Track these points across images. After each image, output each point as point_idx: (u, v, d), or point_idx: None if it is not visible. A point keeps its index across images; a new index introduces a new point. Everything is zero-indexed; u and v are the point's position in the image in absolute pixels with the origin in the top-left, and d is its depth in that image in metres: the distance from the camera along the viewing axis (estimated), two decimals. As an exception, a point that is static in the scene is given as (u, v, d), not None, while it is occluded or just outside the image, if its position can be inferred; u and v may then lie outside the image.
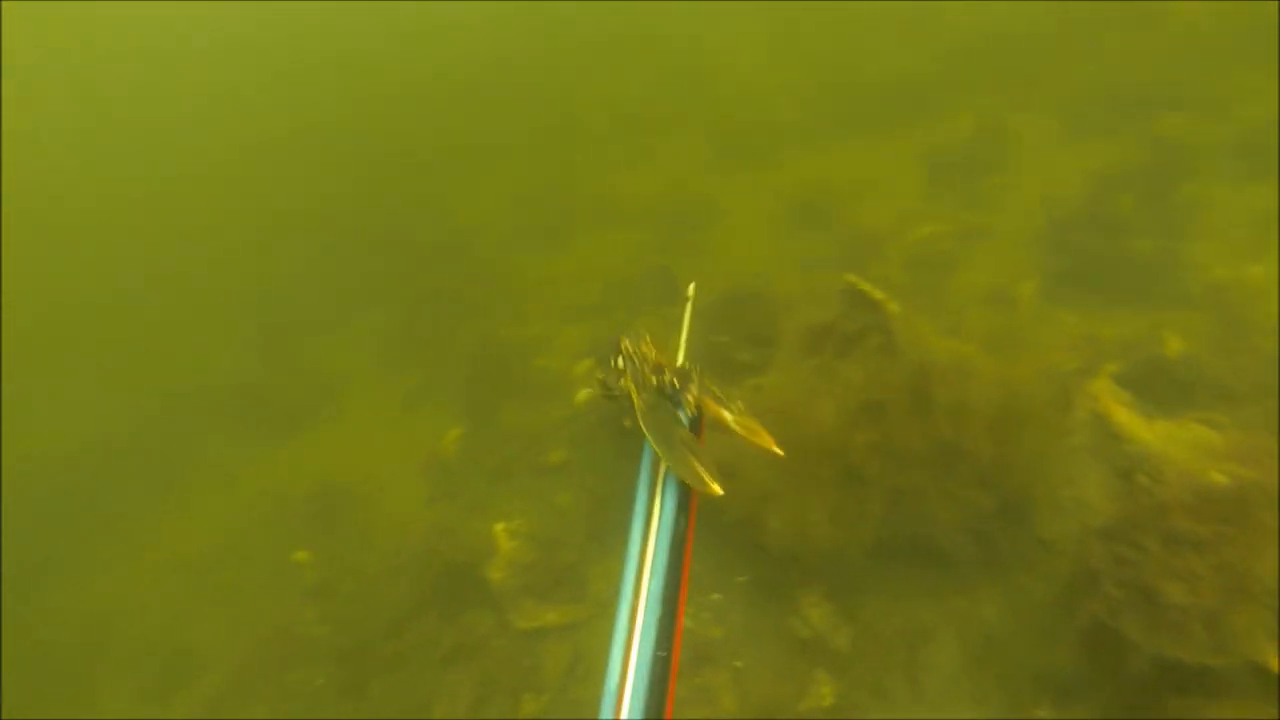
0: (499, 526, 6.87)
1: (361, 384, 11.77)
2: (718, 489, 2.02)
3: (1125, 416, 3.06)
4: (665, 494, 1.94)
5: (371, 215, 14.16)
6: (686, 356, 2.57)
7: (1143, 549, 2.93)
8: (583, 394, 8.70)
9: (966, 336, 5.20)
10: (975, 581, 4.58)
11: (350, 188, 15.31)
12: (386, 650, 6.89)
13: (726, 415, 2.20)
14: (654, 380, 2.32)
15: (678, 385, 2.25)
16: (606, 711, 1.52)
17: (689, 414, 2.22)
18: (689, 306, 2.96)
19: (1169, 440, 3.04)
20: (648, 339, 2.53)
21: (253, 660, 7.81)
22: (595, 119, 14.97)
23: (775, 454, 2.31)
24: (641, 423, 2.25)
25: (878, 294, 4.39)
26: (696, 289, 3.07)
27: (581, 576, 6.38)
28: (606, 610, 5.94)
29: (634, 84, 15.69)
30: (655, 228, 11.21)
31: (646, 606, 1.72)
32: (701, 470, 2.01)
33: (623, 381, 2.49)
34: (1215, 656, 2.82)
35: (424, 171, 15.60)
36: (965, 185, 8.37)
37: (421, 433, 9.84)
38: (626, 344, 2.56)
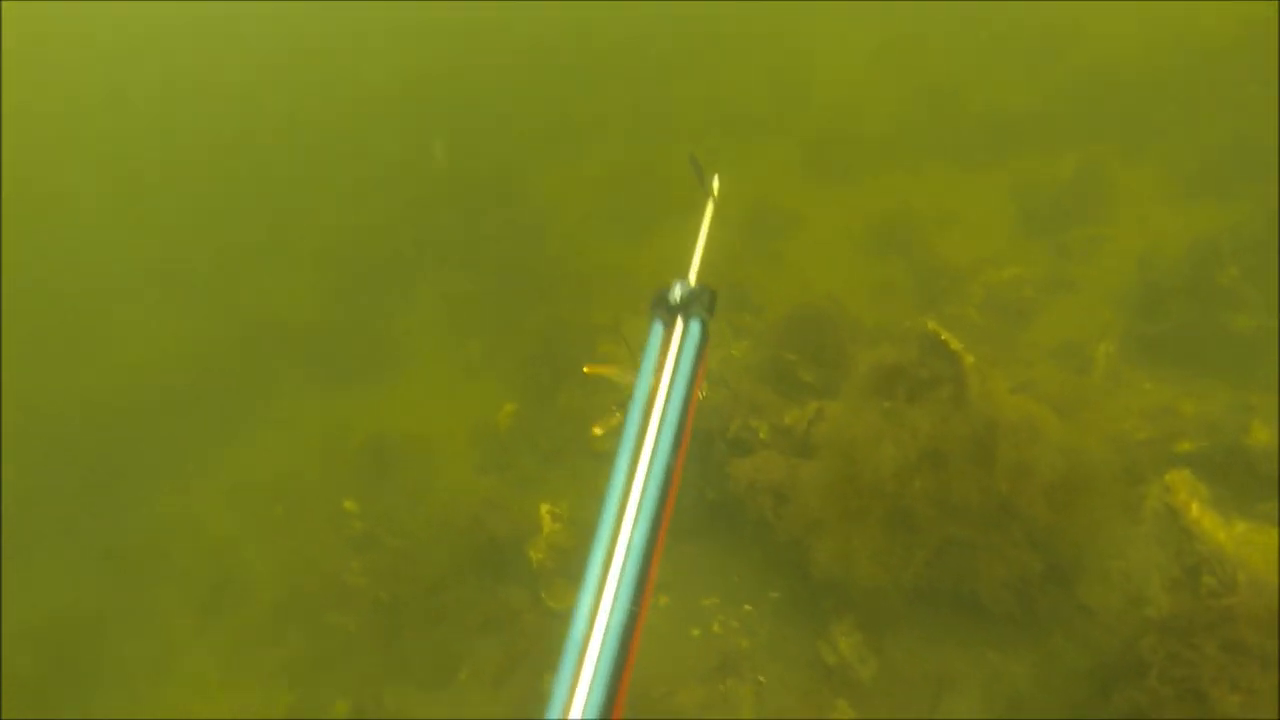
0: (544, 508, 7.06)
1: (425, 345, 12.09)
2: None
3: (1200, 513, 3.00)
4: (660, 438, 1.74)
5: (458, 182, 14.42)
6: (701, 273, 2.19)
7: (1200, 652, 2.90)
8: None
9: (1039, 395, 5.12)
10: (1010, 638, 4.56)
11: (443, 151, 15.59)
12: (423, 608, 7.17)
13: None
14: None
15: (686, 301, 1.98)
16: (567, 665, 1.43)
17: (700, 321, 1.97)
18: (711, 204, 2.54)
19: (1245, 544, 2.97)
20: None
21: (295, 595, 8.21)
22: (691, 114, 14.96)
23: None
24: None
25: (956, 344, 4.37)
26: (721, 184, 2.66)
27: (618, 568, 6.51)
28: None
29: (735, 83, 15.59)
30: (736, 232, 11.19)
31: (626, 556, 1.57)
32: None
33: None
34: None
35: (517, 145, 15.81)
36: (1057, 231, 8.15)
37: (478, 402, 10.08)
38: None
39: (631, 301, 10.44)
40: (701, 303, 1.99)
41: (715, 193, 2.64)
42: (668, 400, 1.80)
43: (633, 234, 11.88)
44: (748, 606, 5.67)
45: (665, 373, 1.86)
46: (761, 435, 5.74)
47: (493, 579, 6.90)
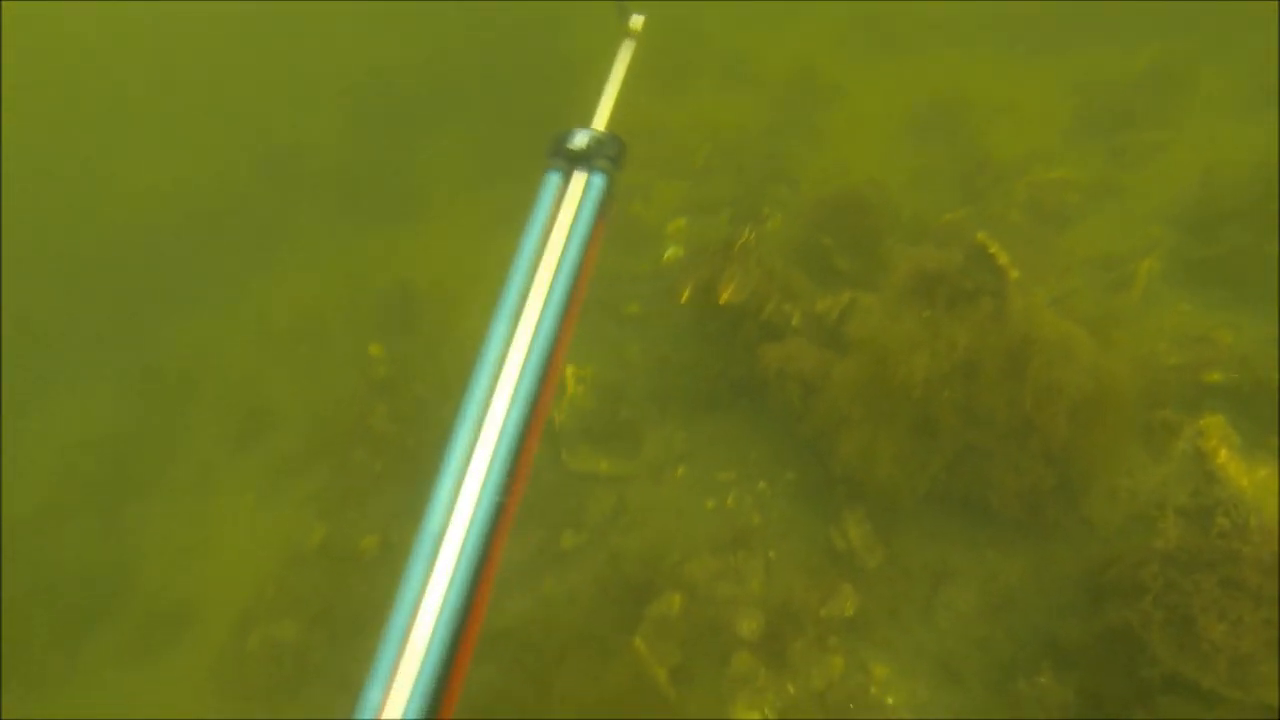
0: (569, 370, 7.24)
1: (451, 190, 11.91)
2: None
3: (1228, 458, 3.12)
4: (545, 308, 1.53)
5: (491, 27, 13.66)
6: (612, 123, 1.93)
7: (1199, 584, 3.10)
8: (670, 251, 8.79)
9: (1076, 310, 5.14)
10: (1012, 540, 4.84)
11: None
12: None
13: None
14: None
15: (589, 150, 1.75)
16: (419, 558, 1.25)
17: (603, 174, 1.75)
18: (629, 43, 2.20)
19: (1265, 490, 3.11)
20: None
21: (322, 433, 8.56)
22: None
23: None
24: None
25: (1004, 258, 4.34)
26: (644, 23, 2.27)
27: (637, 435, 6.77)
28: (658, 470, 6.43)
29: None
30: (774, 98, 10.75)
31: (497, 442, 1.37)
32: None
33: None
34: (1231, 689, 3.07)
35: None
36: (1116, 133, 7.79)
37: (508, 250, 10.05)
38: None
39: (663, 163, 10.20)
40: (607, 153, 1.76)
41: (637, 30, 2.27)
42: (558, 264, 1.61)
43: (665, 92, 11.39)
44: (763, 484, 5.94)
45: (558, 230, 1.66)
46: (794, 322, 5.80)
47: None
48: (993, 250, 4.29)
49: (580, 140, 1.76)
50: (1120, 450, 4.67)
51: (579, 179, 1.74)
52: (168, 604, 7.40)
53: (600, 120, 1.92)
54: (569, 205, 1.70)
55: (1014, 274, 4.45)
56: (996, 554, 4.85)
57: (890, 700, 4.43)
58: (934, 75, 9.91)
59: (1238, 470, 3.17)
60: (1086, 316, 5.19)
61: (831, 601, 4.71)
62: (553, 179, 1.75)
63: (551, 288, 1.58)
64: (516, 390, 1.43)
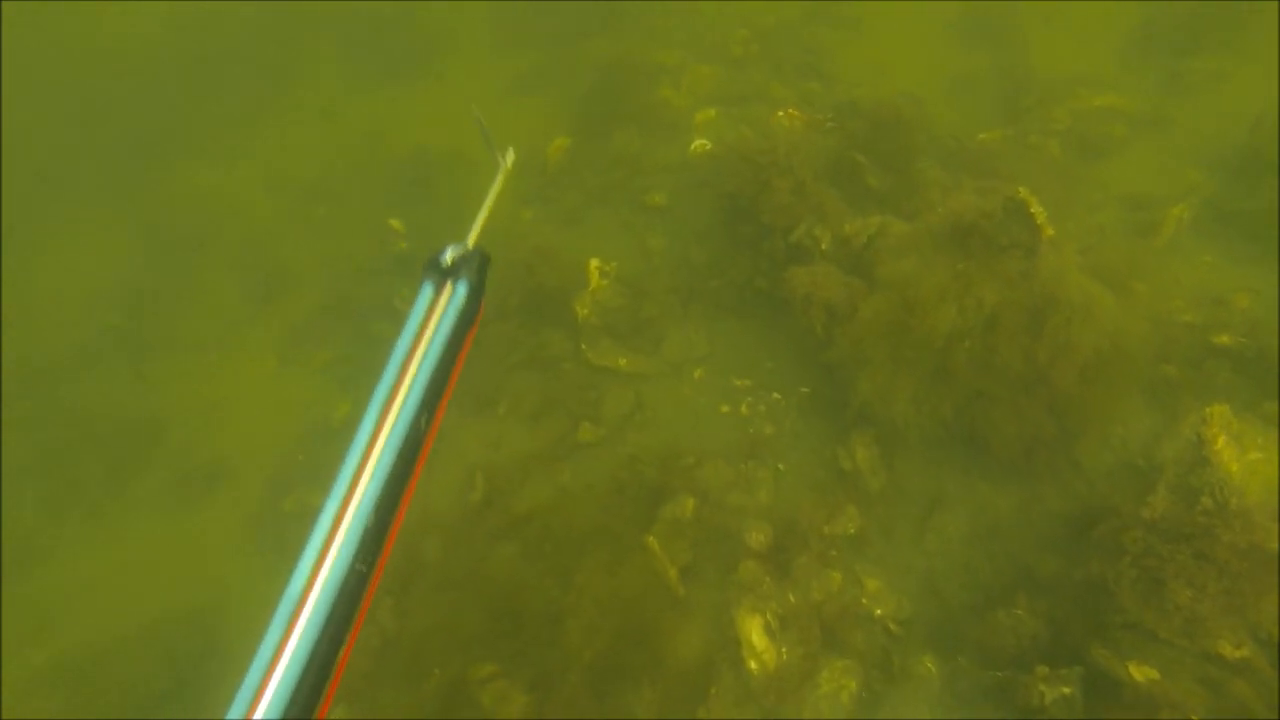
0: (594, 264, 7.33)
1: (471, 50, 11.43)
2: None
3: (1224, 445, 3.37)
4: (405, 400, 1.73)
5: None
6: (479, 239, 2.16)
7: (1174, 553, 3.46)
8: (698, 144, 8.64)
9: (1102, 260, 5.25)
10: (1005, 477, 5.21)
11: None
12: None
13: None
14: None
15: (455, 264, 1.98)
16: (275, 627, 1.35)
17: (469, 284, 1.98)
18: (501, 177, 2.47)
19: (1251, 474, 3.38)
20: None
21: (342, 301, 8.74)
22: None
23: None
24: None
25: (1041, 217, 4.40)
26: (515, 159, 2.56)
27: (658, 333, 6.99)
28: (677, 371, 6.69)
29: None
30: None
31: (351, 519, 1.51)
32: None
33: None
34: (1181, 639, 3.51)
35: None
36: (1176, 57, 7.51)
37: (526, 124, 9.79)
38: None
39: (696, 45, 9.77)
40: (472, 266, 1.98)
41: (509, 164, 2.54)
42: (420, 364, 1.80)
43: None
44: (777, 395, 6.24)
45: (428, 331, 1.86)
46: (824, 246, 5.88)
47: (537, 323, 7.33)
48: (1033, 210, 4.35)
49: (450, 255, 1.99)
50: (1121, 403, 4.96)
51: (448, 289, 1.96)
52: (201, 459, 7.84)
53: (472, 237, 2.15)
54: (438, 310, 1.92)
55: (1049, 231, 4.53)
56: (989, 487, 5.23)
57: (879, 612, 4.93)
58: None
59: (1230, 455, 3.45)
60: (1110, 265, 5.32)
61: (836, 520, 5.12)
62: (427, 288, 1.97)
63: (416, 382, 1.78)
64: (383, 471, 1.60)
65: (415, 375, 1.78)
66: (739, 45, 9.37)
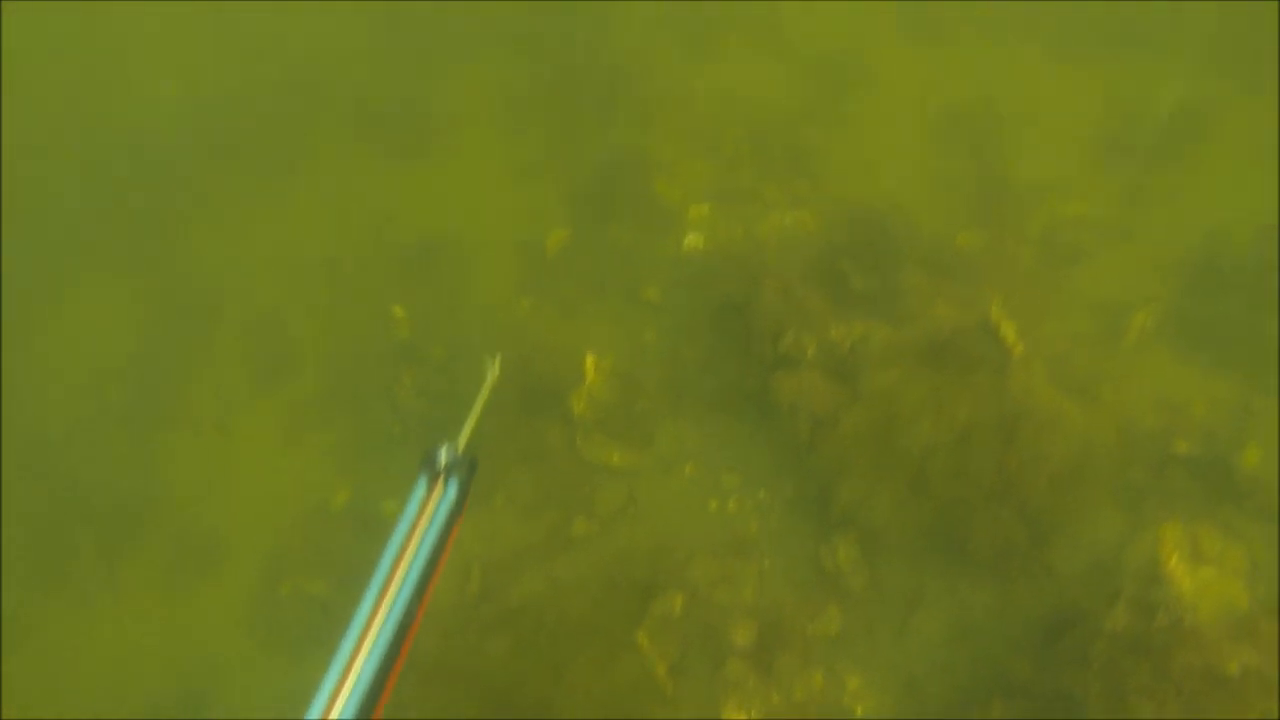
0: (590, 360, 7.61)
1: (477, 133, 11.79)
2: None
3: (1177, 564, 3.61)
4: (399, 591, 1.98)
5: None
6: (470, 443, 2.43)
7: (1136, 668, 3.67)
8: (690, 239, 9.03)
9: (1070, 368, 5.58)
10: (982, 579, 5.42)
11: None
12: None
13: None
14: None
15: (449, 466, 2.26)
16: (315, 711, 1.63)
17: (459, 484, 2.26)
18: (488, 386, 2.83)
19: (1204, 592, 3.61)
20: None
21: (344, 380, 8.97)
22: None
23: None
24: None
25: (1012, 337, 4.73)
26: (500, 366, 2.94)
27: (650, 429, 7.24)
28: (667, 467, 6.91)
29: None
30: (807, 74, 10.69)
31: (361, 667, 1.79)
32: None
33: None
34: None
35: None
36: (1138, 165, 7.93)
37: (527, 213, 10.10)
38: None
39: (690, 137, 10.21)
40: (461, 469, 2.27)
41: (496, 371, 2.92)
42: (413, 557, 2.05)
43: (693, 58, 11.24)
44: (763, 493, 6.47)
45: (421, 524, 2.13)
46: (809, 353, 6.18)
47: (534, 418, 7.57)
48: (1003, 331, 4.67)
49: (443, 458, 2.27)
50: (1090, 508, 5.21)
51: (440, 487, 2.24)
52: (197, 539, 7.95)
53: (462, 441, 2.43)
54: (431, 505, 2.19)
55: (1019, 350, 4.85)
56: (968, 588, 5.43)
57: (859, 710, 5.08)
58: (966, 72, 9.90)
59: (1183, 573, 3.68)
60: (1078, 372, 5.65)
61: (818, 619, 5.30)
62: (421, 484, 2.24)
63: (412, 568, 2.05)
64: (378, 649, 1.86)
65: (411, 561, 2.05)
66: (731, 144, 9.85)
